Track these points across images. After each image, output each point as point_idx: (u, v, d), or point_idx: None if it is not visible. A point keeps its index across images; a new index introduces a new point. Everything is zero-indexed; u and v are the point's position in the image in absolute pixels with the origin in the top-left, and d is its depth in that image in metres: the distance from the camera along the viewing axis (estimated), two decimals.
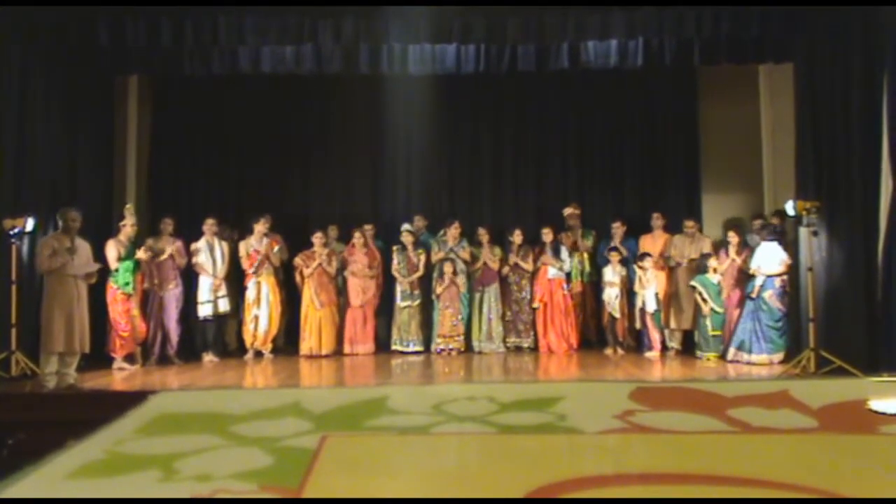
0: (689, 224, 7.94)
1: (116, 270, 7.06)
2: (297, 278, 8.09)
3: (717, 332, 7.37)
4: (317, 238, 8.04)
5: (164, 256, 7.50)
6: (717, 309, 7.37)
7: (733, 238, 7.52)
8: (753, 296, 7.05)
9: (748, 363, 6.98)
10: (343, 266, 8.09)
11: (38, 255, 5.96)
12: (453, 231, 8.13)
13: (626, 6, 7.03)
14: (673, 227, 8.13)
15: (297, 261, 8.07)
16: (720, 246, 7.85)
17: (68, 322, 5.79)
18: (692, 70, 8.84)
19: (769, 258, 7.08)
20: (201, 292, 7.73)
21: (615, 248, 7.93)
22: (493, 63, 7.69)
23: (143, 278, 7.41)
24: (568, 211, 8.53)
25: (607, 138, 9.29)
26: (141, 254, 7.21)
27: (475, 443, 1.89)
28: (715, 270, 7.47)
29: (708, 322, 7.41)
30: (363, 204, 9.20)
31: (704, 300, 7.42)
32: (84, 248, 6.08)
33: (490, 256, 8.12)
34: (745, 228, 7.97)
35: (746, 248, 7.48)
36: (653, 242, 8.10)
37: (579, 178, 9.26)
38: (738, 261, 7.38)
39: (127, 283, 7.08)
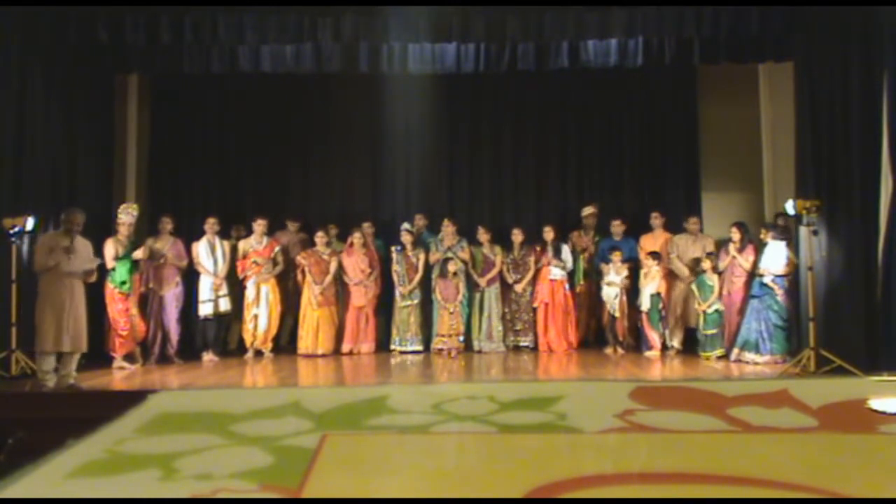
0: (693, 221, 7.95)
1: (113, 269, 7.06)
2: (299, 277, 8.10)
3: (712, 332, 7.38)
4: (319, 237, 8.04)
5: (162, 261, 7.49)
6: (710, 310, 7.38)
7: (735, 235, 7.51)
8: (779, 297, 7.01)
9: (753, 363, 6.97)
10: (341, 267, 8.08)
11: (35, 252, 5.95)
12: (448, 229, 8.14)
13: (626, 5, 7.03)
14: (673, 226, 8.14)
15: (299, 259, 8.07)
16: (723, 244, 7.83)
17: (59, 322, 5.76)
18: (692, 69, 8.85)
19: (776, 258, 7.08)
20: (202, 291, 7.73)
21: (616, 247, 7.94)
22: (493, 62, 7.70)
23: (141, 279, 7.41)
24: (588, 210, 8.53)
25: (607, 137, 9.29)
26: (139, 254, 7.21)
27: (475, 442, 1.89)
28: (714, 269, 7.48)
29: (701, 321, 7.43)
30: (363, 203, 9.20)
31: (699, 302, 7.45)
32: (84, 247, 6.06)
33: (496, 261, 8.12)
34: (753, 226, 7.93)
35: (750, 245, 7.45)
36: (654, 241, 8.10)
37: (579, 178, 9.27)
38: (739, 258, 7.37)
39: (123, 283, 7.07)
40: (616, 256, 7.84)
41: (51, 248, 5.80)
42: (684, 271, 7.80)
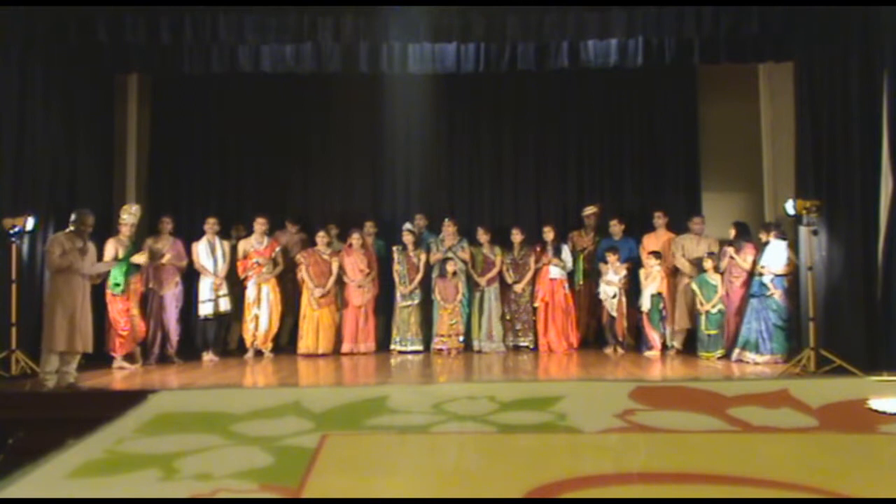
0: (697, 220, 7.93)
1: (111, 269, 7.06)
2: (299, 276, 8.10)
3: (714, 332, 7.38)
4: (320, 237, 8.05)
5: (163, 261, 7.49)
6: (713, 310, 7.38)
7: (733, 234, 7.51)
8: (771, 294, 7.02)
9: (753, 363, 6.97)
10: (340, 267, 8.07)
11: (48, 252, 5.95)
12: (449, 229, 8.14)
13: (626, 5, 7.03)
14: (674, 226, 8.14)
15: (298, 258, 8.08)
16: (724, 244, 7.83)
17: (71, 322, 5.79)
18: (692, 70, 8.85)
19: (776, 257, 7.08)
20: (202, 291, 7.73)
21: (613, 248, 7.93)
22: (493, 62, 7.70)
23: (142, 279, 7.40)
24: (589, 210, 8.54)
25: (607, 137, 9.29)
26: (138, 258, 7.19)
27: (475, 442, 1.89)
28: (716, 269, 7.47)
29: (703, 321, 7.43)
30: (363, 203, 9.21)
31: (701, 302, 7.45)
32: (91, 249, 6.11)
33: (495, 260, 8.12)
34: (755, 227, 7.92)
35: (750, 245, 7.44)
36: (656, 241, 8.10)
37: (579, 178, 9.27)
38: (737, 258, 7.37)
39: (117, 284, 7.05)
40: (612, 257, 7.83)
41: (64, 249, 5.81)
42: (689, 269, 7.80)
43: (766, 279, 7.06)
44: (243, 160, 9.28)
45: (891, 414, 1.92)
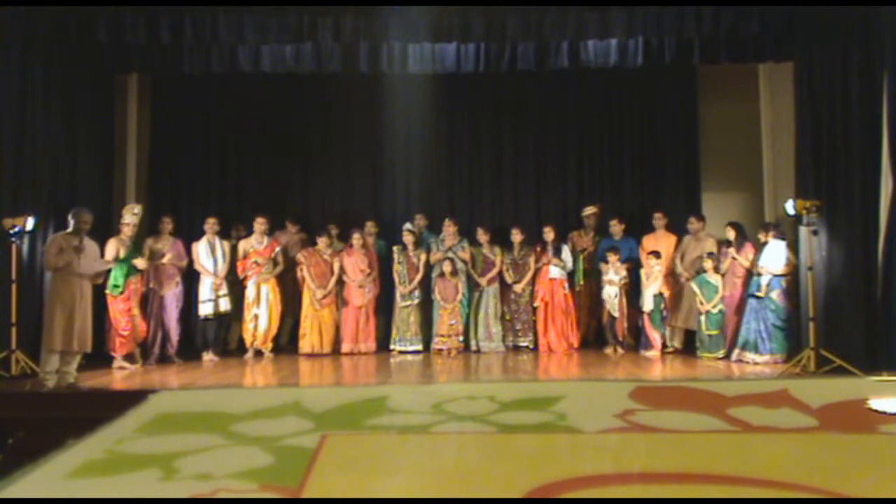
0: (692, 221, 7.93)
1: (110, 269, 7.06)
2: (299, 275, 8.10)
3: (714, 332, 7.38)
4: (321, 241, 8.05)
5: (164, 261, 7.48)
6: (714, 310, 7.38)
7: (731, 235, 7.51)
8: (761, 294, 7.03)
9: (753, 363, 6.97)
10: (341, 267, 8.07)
11: (45, 252, 5.98)
12: (449, 229, 8.13)
13: (626, 5, 7.03)
14: (674, 227, 8.14)
15: (299, 257, 8.08)
16: (723, 245, 7.82)
17: (69, 321, 5.80)
18: (692, 70, 8.85)
19: (775, 257, 7.08)
20: (202, 291, 7.73)
21: (614, 248, 7.93)
22: (493, 62, 7.71)
23: (142, 279, 7.40)
24: (589, 210, 8.54)
25: (607, 137, 9.30)
26: (139, 262, 7.18)
27: (475, 442, 1.89)
28: (715, 269, 7.47)
29: (703, 321, 7.43)
30: (363, 203, 9.21)
31: (701, 302, 7.44)
32: (92, 248, 6.11)
33: (495, 260, 8.11)
34: (752, 226, 7.92)
35: (748, 244, 7.44)
36: (656, 242, 8.10)
37: (579, 178, 9.28)
38: (738, 258, 7.37)
39: (116, 286, 7.04)
40: (612, 257, 7.83)
41: (61, 248, 5.82)
42: (686, 276, 7.80)
43: (763, 280, 7.06)
44: (243, 160, 9.28)
45: (891, 414, 1.92)
